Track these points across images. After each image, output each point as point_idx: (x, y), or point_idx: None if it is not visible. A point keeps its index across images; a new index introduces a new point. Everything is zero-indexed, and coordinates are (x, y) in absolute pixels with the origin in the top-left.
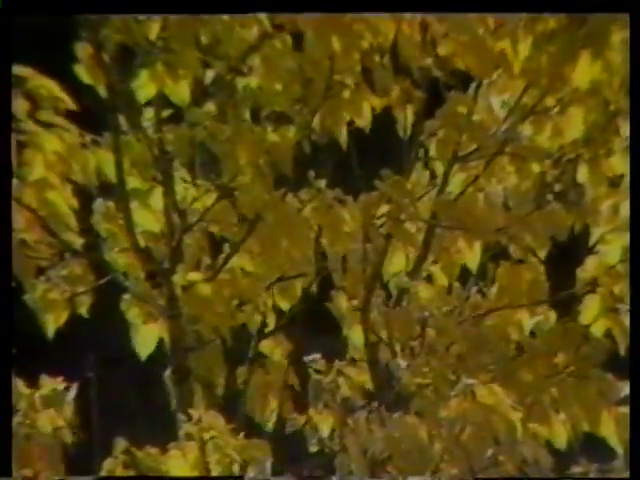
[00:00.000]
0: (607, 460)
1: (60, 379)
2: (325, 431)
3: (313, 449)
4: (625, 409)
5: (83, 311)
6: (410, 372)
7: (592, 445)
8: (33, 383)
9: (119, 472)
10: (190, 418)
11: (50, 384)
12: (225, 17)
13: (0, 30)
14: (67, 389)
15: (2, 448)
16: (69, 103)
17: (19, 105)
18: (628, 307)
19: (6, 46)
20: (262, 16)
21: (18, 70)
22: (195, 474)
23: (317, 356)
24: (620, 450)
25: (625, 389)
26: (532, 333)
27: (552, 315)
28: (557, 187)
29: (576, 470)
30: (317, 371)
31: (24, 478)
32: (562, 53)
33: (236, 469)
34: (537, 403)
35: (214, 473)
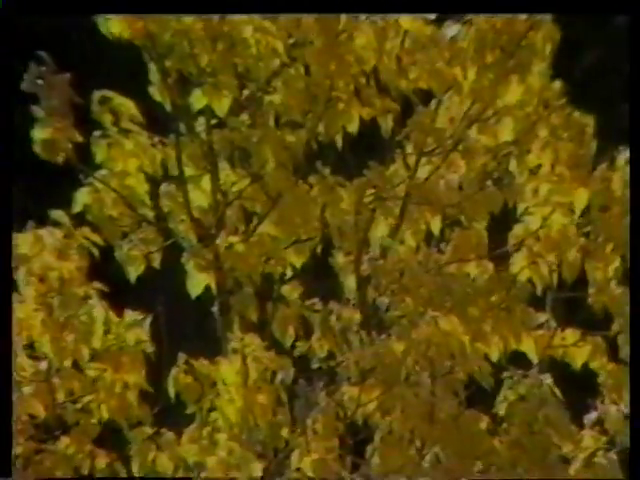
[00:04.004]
0: (527, 368)
1: (139, 311)
2: (326, 351)
3: (316, 365)
4: (540, 333)
5: (156, 264)
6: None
7: (516, 358)
8: (120, 314)
9: (182, 379)
10: (236, 338)
11: (132, 315)
12: (253, 50)
13: (0, 30)
14: (144, 319)
15: (2, 448)
16: (139, 116)
17: (106, 117)
18: (546, 261)
19: (6, 45)
20: (281, 50)
21: (105, 92)
22: (238, 379)
23: (316, 300)
24: (535, 360)
25: (539, 317)
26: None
27: (490, 267)
28: (495, 175)
29: (505, 375)
30: (316, 311)
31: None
32: (498, 78)
33: (268, 375)
34: (480, 329)
35: (252, 378)
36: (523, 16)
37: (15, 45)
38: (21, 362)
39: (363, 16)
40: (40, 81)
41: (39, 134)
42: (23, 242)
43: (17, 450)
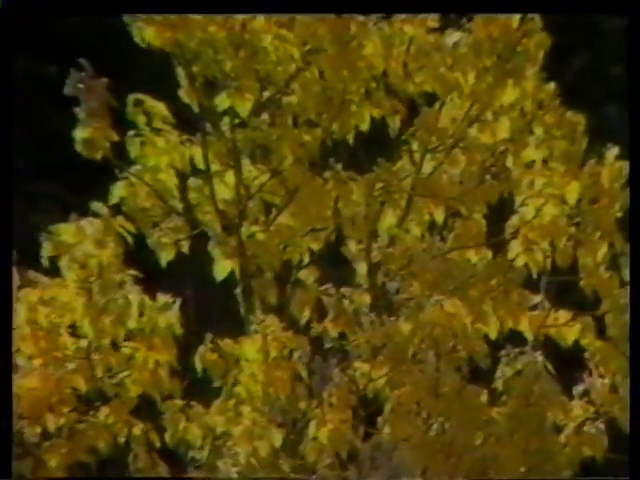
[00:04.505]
0: (522, 346)
1: (169, 294)
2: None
3: (328, 345)
4: (535, 313)
5: (184, 250)
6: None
7: (513, 336)
8: (152, 297)
9: (208, 356)
10: (257, 320)
11: (164, 299)
12: (273, 56)
13: (0, 30)
14: (174, 302)
15: (2, 448)
16: (169, 117)
17: (140, 118)
18: (540, 248)
19: (6, 45)
20: (298, 56)
21: (138, 96)
22: (259, 356)
23: (330, 284)
24: (531, 339)
25: (534, 299)
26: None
27: (489, 254)
28: (493, 170)
29: (502, 353)
30: (330, 294)
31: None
32: (495, 81)
33: (286, 353)
34: (480, 310)
35: (272, 356)
36: (524, 19)
37: (56, 53)
38: (64, 341)
39: (371, 23)
40: (81, 85)
41: (80, 134)
42: (66, 232)
43: (61, 420)
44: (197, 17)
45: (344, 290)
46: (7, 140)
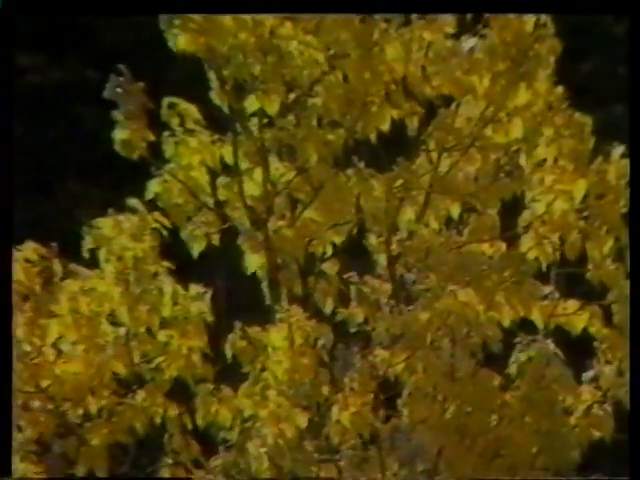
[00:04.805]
0: (533, 333)
1: (201, 285)
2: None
3: (353, 330)
4: (545, 303)
5: (215, 242)
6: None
7: (525, 324)
8: (185, 287)
9: (238, 343)
10: (283, 309)
11: (196, 289)
12: (298, 61)
13: (0, 30)
14: (206, 292)
15: (2, 448)
16: (201, 118)
17: (174, 119)
18: (550, 241)
19: (6, 45)
20: (322, 61)
21: (172, 99)
22: (285, 343)
23: (353, 273)
24: (541, 327)
25: (545, 290)
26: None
27: (502, 247)
28: (506, 168)
29: (516, 340)
30: (353, 283)
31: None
32: (508, 84)
33: (311, 340)
34: (493, 300)
35: (297, 343)
36: (527, 20)
37: (96, 59)
38: (104, 329)
39: (392, 29)
40: (119, 89)
41: (118, 135)
42: (104, 226)
43: (101, 403)
44: (228, 24)
45: (367, 278)
46: (7, 140)
